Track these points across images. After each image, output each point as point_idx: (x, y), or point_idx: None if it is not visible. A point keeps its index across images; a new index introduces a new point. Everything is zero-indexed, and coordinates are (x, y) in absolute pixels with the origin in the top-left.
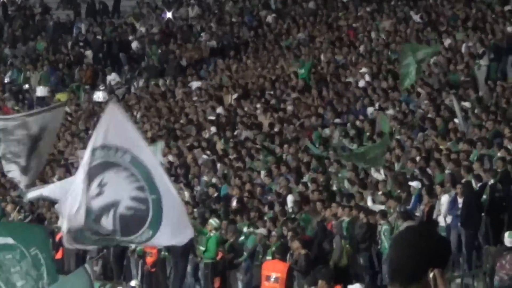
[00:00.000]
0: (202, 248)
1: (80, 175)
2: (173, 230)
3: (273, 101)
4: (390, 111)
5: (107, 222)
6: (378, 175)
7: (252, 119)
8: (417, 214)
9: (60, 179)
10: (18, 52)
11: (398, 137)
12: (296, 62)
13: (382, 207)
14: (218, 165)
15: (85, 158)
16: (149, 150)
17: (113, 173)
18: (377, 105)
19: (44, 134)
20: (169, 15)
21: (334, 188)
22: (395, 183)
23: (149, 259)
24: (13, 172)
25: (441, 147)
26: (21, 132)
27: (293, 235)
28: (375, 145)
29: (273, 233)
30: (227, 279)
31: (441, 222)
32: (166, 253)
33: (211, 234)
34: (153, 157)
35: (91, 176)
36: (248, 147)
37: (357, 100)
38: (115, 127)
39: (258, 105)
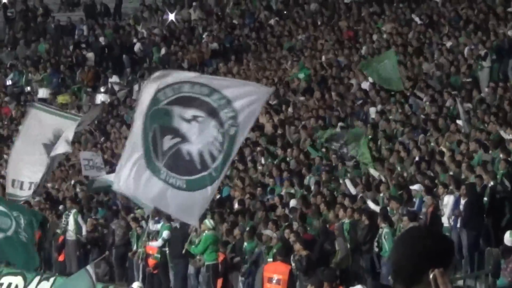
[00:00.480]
0: (193, 246)
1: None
2: (191, 206)
3: (275, 103)
4: (394, 115)
5: (167, 143)
6: (374, 172)
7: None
8: (421, 217)
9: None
10: (20, 54)
11: (400, 139)
12: (296, 66)
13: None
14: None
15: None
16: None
17: (212, 124)
18: (379, 107)
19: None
20: (171, 17)
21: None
22: (396, 187)
23: (151, 261)
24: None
25: (443, 148)
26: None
27: (295, 236)
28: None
29: (274, 235)
30: (228, 281)
31: (445, 223)
32: (159, 257)
33: (203, 234)
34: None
35: (197, 102)
36: (250, 149)
37: (361, 104)
38: (251, 101)
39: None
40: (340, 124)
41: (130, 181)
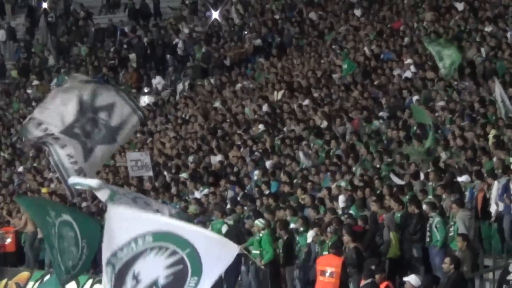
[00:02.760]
0: (256, 252)
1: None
2: (218, 260)
3: (319, 96)
4: (440, 103)
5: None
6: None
7: (300, 115)
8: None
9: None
10: (62, 58)
11: (448, 126)
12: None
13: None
14: (268, 162)
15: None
16: (160, 217)
17: (142, 260)
18: (419, 96)
19: (121, 130)
20: (214, 15)
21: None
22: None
23: None
24: (69, 148)
25: (490, 135)
26: (103, 117)
27: (345, 229)
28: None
29: (328, 229)
30: (281, 277)
31: (492, 210)
32: None
33: (260, 235)
34: (169, 219)
35: (122, 276)
36: (297, 143)
37: (403, 92)
38: (122, 225)
39: (306, 102)
40: (381, 113)
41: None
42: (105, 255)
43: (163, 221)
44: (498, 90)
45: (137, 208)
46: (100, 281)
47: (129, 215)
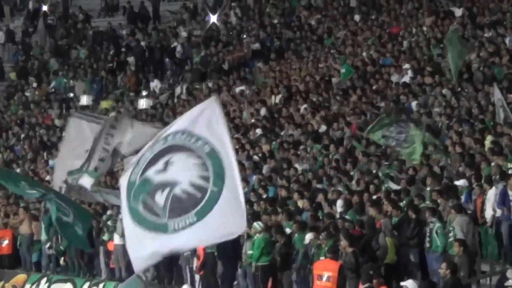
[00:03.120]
0: (250, 252)
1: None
2: (220, 225)
3: (317, 101)
4: (437, 109)
5: (160, 198)
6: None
7: (298, 120)
8: (470, 209)
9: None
10: (61, 61)
11: (446, 132)
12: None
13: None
14: (265, 167)
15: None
16: (232, 149)
17: (184, 156)
18: (420, 100)
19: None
20: (213, 19)
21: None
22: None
23: (197, 262)
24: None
25: (487, 141)
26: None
27: (343, 233)
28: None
29: (321, 236)
30: (278, 281)
31: (488, 215)
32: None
33: (255, 238)
34: (232, 156)
35: (162, 153)
36: (294, 147)
37: (401, 97)
38: (207, 119)
39: (304, 106)
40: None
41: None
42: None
43: (228, 151)
44: (497, 95)
45: None
46: (97, 284)
47: (218, 119)
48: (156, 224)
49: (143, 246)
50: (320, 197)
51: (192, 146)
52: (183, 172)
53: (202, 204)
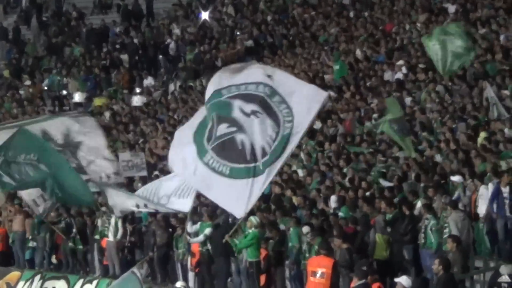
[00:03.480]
0: (236, 241)
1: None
2: (233, 196)
3: None
4: (429, 104)
5: (221, 129)
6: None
7: None
8: (462, 205)
9: None
10: (54, 59)
11: (438, 131)
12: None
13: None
14: None
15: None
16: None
17: (269, 123)
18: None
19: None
20: (205, 15)
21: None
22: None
23: (193, 260)
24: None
25: (480, 137)
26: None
27: (337, 230)
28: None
29: (307, 238)
30: (272, 277)
31: (481, 212)
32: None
33: (250, 231)
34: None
35: (259, 101)
36: None
37: (394, 94)
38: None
39: None
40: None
41: (178, 160)
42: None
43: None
44: (490, 93)
45: None
46: (90, 281)
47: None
48: (202, 145)
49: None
50: (313, 194)
51: (281, 120)
52: (257, 131)
53: (243, 166)
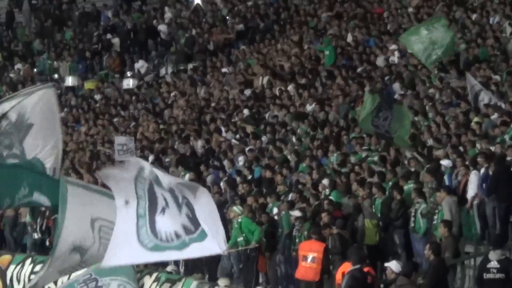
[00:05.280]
0: (240, 238)
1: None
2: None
3: (304, 81)
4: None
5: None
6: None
7: (283, 101)
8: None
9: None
10: (45, 42)
11: (430, 115)
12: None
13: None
14: (249, 148)
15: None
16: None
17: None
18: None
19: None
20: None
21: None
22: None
23: None
24: None
25: (474, 121)
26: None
27: (327, 215)
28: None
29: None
30: (263, 262)
31: (470, 197)
32: None
33: (239, 220)
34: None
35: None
36: (279, 129)
37: (389, 80)
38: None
39: (290, 87)
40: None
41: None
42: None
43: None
44: (472, 81)
45: None
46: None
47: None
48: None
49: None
50: (305, 179)
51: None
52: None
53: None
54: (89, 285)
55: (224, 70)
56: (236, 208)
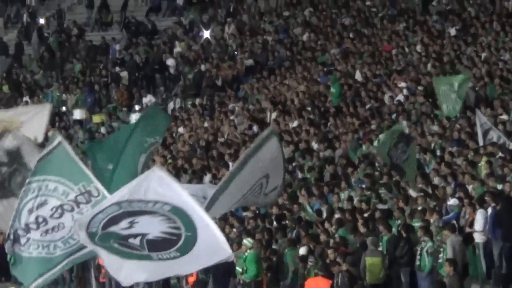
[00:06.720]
0: (239, 269)
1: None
2: (206, 255)
3: (311, 118)
4: (433, 127)
5: (135, 241)
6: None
7: (292, 136)
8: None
9: None
10: (54, 75)
11: (438, 153)
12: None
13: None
14: None
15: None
16: (192, 199)
17: (148, 217)
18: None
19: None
20: (206, 34)
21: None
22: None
23: (190, 279)
24: None
25: (483, 161)
26: None
27: (334, 252)
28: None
29: (309, 262)
30: None
31: (477, 238)
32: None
33: (247, 254)
34: (195, 205)
35: (122, 216)
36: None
37: (396, 117)
38: (157, 185)
39: (295, 123)
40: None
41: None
42: (121, 195)
43: (187, 200)
44: (481, 119)
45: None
46: None
47: (169, 184)
48: (138, 255)
49: (125, 267)
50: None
51: (152, 209)
52: (151, 226)
53: (179, 244)
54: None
55: (232, 105)
56: (247, 241)
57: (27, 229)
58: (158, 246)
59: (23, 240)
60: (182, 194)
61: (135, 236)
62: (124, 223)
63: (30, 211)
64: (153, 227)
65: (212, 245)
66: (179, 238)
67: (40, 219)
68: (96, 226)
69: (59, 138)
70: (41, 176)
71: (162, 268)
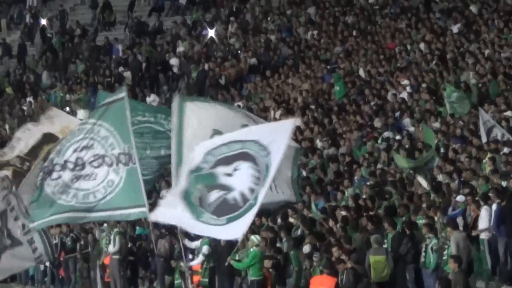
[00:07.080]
0: (238, 260)
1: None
2: (234, 231)
3: (315, 116)
4: (435, 124)
5: (213, 197)
6: (423, 181)
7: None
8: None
9: None
10: (57, 75)
11: (442, 150)
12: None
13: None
14: None
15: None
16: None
17: (249, 165)
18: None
19: None
20: (210, 33)
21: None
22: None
23: (196, 277)
24: None
25: (488, 157)
26: None
27: (338, 250)
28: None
29: (314, 259)
30: None
31: (482, 235)
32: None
33: (251, 250)
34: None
35: (235, 157)
36: None
37: (401, 114)
38: (278, 134)
39: (298, 122)
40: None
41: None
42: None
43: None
44: (484, 117)
45: None
46: None
47: (285, 138)
48: (195, 208)
49: (172, 205)
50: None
51: (259, 158)
52: (242, 180)
53: (237, 212)
54: None
55: (236, 104)
56: (255, 238)
57: (64, 166)
58: (223, 209)
59: (54, 175)
60: (280, 153)
61: (222, 189)
62: (231, 168)
63: (74, 151)
64: (242, 182)
65: (242, 222)
66: (244, 205)
67: (80, 161)
68: (210, 161)
69: (124, 93)
70: (98, 121)
71: (199, 226)
